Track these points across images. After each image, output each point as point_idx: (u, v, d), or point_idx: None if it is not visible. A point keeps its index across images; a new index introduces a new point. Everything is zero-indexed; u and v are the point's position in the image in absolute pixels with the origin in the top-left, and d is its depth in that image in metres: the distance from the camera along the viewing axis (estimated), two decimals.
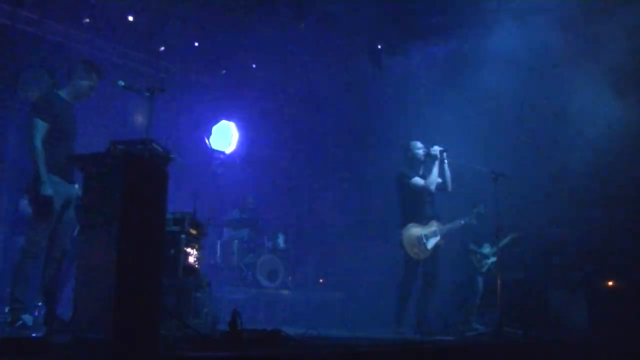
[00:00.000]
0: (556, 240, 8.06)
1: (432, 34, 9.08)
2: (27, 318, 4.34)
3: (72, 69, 4.76)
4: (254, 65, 10.05)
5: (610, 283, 7.60)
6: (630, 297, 7.15)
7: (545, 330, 6.94)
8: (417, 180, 6.26)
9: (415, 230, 6.16)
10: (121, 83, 4.56)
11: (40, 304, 4.64)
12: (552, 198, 8.15)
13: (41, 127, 4.47)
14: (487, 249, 7.66)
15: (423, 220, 6.20)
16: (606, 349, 5.58)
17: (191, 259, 5.55)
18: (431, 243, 6.16)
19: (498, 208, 6.44)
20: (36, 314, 4.80)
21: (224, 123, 10.24)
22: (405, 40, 9.27)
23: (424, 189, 6.23)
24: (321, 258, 9.68)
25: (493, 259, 7.74)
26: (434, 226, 6.21)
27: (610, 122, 7.68)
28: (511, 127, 8.63)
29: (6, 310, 4.53)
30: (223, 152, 10.19)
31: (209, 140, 9.98)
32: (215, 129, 10.18)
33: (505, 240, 7.67)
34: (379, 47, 9.51)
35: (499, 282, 7.26)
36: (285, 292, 8.39)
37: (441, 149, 6.35)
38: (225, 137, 10.28)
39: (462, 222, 6.37)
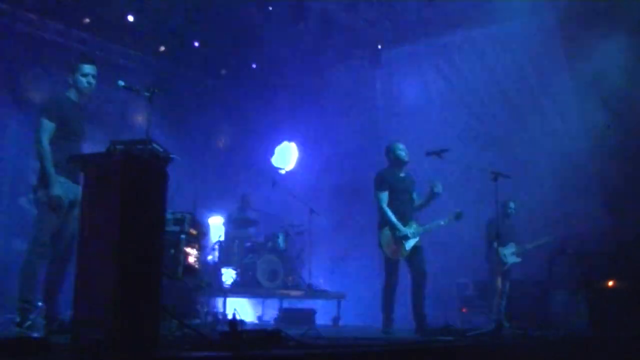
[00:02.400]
0: (556, 240, 8.06)
1: (432, 33, 9.09)
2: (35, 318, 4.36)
3: (67, 69, 4.76)
4: (253, 66, 10.06)
5: (610, 283, 7.60)
6: (630, 297, 7.14)
7: (545, 330, 6.93)
8: (383, 197, 6.17)
9: (393, 232, 6.13)
10: (121, 83, 4.55)
11: (40, 304, 4.64)
12: (552, 198, 8.16)
13: (48, 127, 4.47)
14: (510, 249, 7.68)
15: (402, 222, 6.16)
16: (606, 349, 5.58)
17: (191, 259, 5.55)
18: (410, 244, 6.11)
19: (498, 208, 6.43)
20: (36, 314, 4.80)
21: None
22: (404, 39, 9.27)
23: (382, 209, 6.15)
24: (321, 258, 9.67)
25: (515, 260, 7.77)
26: (412, 227, 6.16)
27: (609, 122, 7.69)
28: (511, 127, 8.63)
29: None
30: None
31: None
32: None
33: (536, 243, 7.74)
34: (379, 47, 9.51)
35: (499, 282, 7.28)
36: (285, 292, 8.38)
37: (439, 188, 6.16)
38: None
39: (442, 222, 6.24)
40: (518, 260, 7.78)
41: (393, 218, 6.11)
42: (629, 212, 7.67)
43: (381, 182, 6.26)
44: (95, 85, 4.74)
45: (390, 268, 6.18)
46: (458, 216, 6.24)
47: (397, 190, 6.24)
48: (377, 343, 4.32)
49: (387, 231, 6.14)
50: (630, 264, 7.38)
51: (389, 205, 6.18)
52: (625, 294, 7.28)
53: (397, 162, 6.29)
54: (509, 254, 7.73)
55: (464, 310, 8.48)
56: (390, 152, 6.35)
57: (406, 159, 6.26)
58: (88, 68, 4.69)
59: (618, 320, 6.90)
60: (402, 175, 6.32)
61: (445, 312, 8.25)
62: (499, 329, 5.54)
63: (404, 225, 6.11)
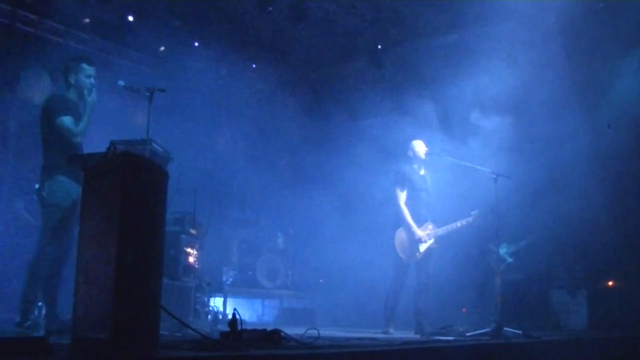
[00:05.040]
0: (556, 240, 8.06)
1: (431, 32, 9.09)
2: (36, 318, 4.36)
3: (64, 71, 4.75)
4: (253, 65, 10.05)
5: (610, 283, 7.60)
6: (630, 297, 7.15)
7: (545, 330, 6.93)
8: (400, 197, 6.11)
9: (409, 233, 6.08)
10: (121, 83, 4.56)
11: (40, 304, 4.64)
12: (552, 198, 8.16)
13: (70, 120, 4.47)
14: (504, 250, 7.70)
15: (418, 223, 6.11)
16: (606, 349, 5.58)
17: (191, 259, 5.56)
18: (424, 246, 6.06)
19: (498, 209, 6.42)
20: (36, 313, 4.80)
21: None
22: (404, 39, 9.28)
23: (398, 206, 6.11)
24: (321, 258, 9.68)
25: (510, 260, 7.79)
26: (428, 229, 6.12)
27: (609, 121, 7.69)
28: (510, 126, 8.63)
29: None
30: None
31: None
32: None
33: (522, 243, 7.74)
34: (379, 47, 9.51)
35: (498, 282, 7.26)
36: (285, 292, 8.39)
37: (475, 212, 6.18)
38: None
39: (459, 224, 6.22)
40: (511, 260, 7.80)
41: (410, 219, 6.04)
42: (629, 211, 7.67)
43: (403, 180, 6.15)
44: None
45: (400, 270, 6.11)
46: (476, 216, 6.20)
47: (416, 189, 6.18)
48: (376, 343, 4.32)
49: (402, 232, 6.06)
50: (630, 263, 7.38)
51: (406, 203, 6.10)
52: (625, 293, 7.28)
53: (416, 159, 6.25)
54: (504, 254, 7.76)
55: (464, 310, 8.49)
56: (410, 149, 6.30)
57: (425, 156, 6.22)
58: (89, 70, 4.69)
59: (618, 320, 6.90)
60: (421, 173, 6.28)
61: (445, 312, 8.26)
62: (499, 329, 5.54)
63: (419, 226, 6.06)
